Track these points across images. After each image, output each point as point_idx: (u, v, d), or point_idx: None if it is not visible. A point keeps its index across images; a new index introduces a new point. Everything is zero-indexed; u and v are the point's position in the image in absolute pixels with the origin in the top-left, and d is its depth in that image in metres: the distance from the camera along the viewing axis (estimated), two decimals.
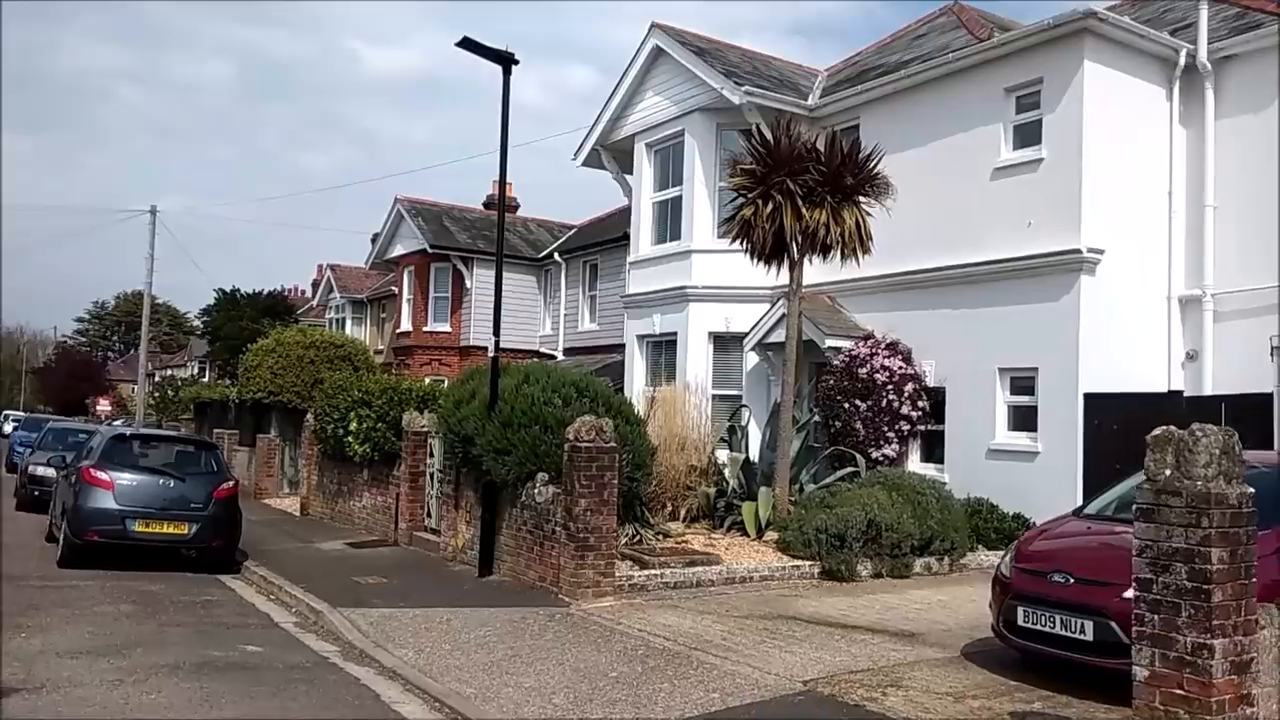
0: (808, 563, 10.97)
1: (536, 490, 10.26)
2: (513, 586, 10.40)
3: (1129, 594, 6.13)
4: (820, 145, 11.66)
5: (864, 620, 8.94)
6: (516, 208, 32.32)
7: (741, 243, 12.14)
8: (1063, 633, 6.45)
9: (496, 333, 11.09)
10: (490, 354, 11.03)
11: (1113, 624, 6.18)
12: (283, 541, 14.28)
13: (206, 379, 44.42)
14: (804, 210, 11.49)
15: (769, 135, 11.78)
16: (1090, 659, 6.31)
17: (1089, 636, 6.29)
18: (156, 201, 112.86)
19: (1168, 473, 4.62)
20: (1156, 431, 4.77)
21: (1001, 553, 12.30)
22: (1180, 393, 12.17)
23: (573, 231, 29.48)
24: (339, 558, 12.76)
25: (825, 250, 11.87)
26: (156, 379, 57.96)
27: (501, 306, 11.29)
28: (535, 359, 21.58)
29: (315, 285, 42.30)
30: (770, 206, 11.48)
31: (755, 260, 12.21)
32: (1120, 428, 12.24)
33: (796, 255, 11.77)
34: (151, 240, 36.31)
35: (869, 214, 11.97)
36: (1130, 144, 13.39)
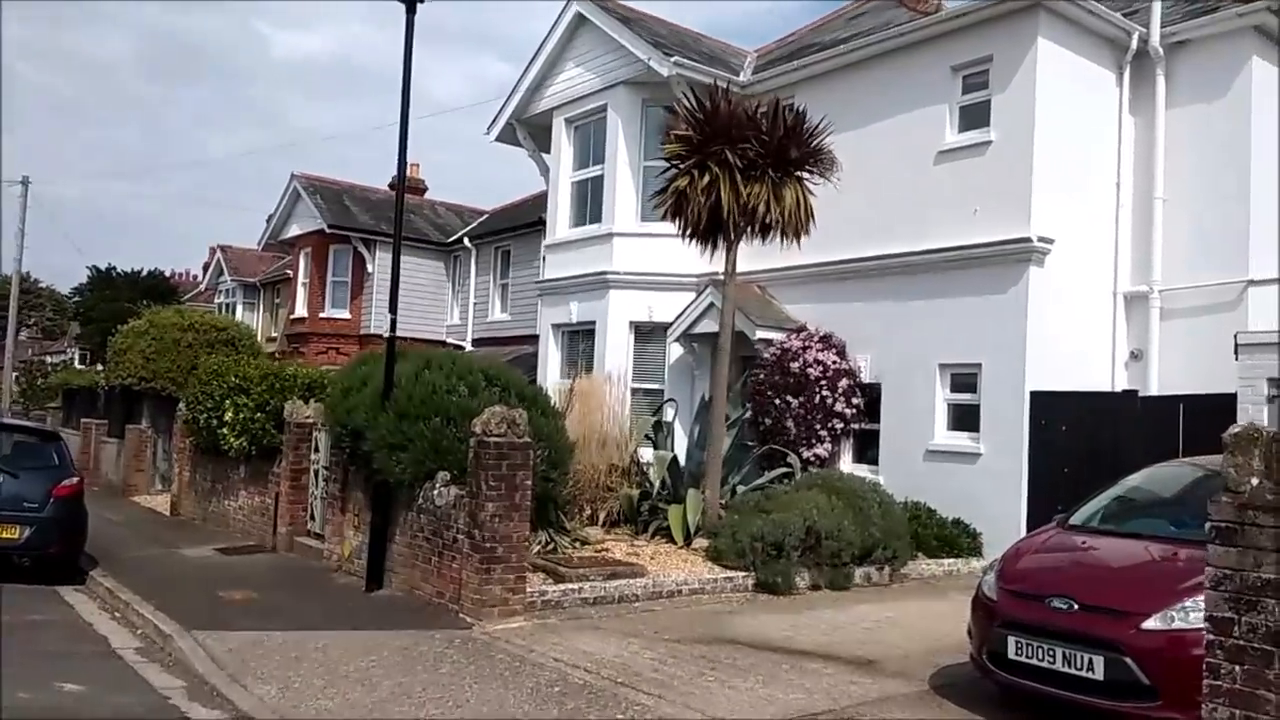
0: (741, 573, 9.85)
1: (436, 492, 8.88)
2: (406, 603, 8.99)
3: (1149, 624, 5.17)
4: (761, 115, 10.51)
5: (811, 643, 7.84)
6: (424, 190, 30.61)
7: (673, 219, 10.96)
8: (1065, 669, 5.42)
9: (393, 309, 9.65)
10: (385, 333, 9.58)
11: (1128, 660, 5.18)
12: (143, 546, 12.51)
13: (83, 366, 41.12)
14: (742, 185, 10.35)
15: (707, 100, 10.60)
16: (1099, 701, 5.29)
17: (1099, 675, 5.27)
18: (52, 184, 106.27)
19: (1255, 482, 3.58)
20: (1236, 429, 3.73)
21: (949, 563, 11.55)
22: (1135, 392, 11.47)
23: (484, 217, 27.92)
24: (205, 566, 11.11)
25: (765, 231, 10.77)
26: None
27: (399, 280, 9.86)
28: (442, 349, 20.02)
29: (206, 269, 39.61)
30: (707, 179, 10.31)
31: (688, 239, 11.04)
32: (1069, 428, 11.50)
33: (734, 234, 10.62)
34: (23, 214, 33.31)
35: (811, 193, 10.91)
36: (1079, 131, 12.67)
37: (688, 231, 10.91)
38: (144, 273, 36.45)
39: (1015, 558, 6.35)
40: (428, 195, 30.43)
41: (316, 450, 11.61)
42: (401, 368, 9.69)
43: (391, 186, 29.93)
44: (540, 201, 20.69)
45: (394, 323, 9.56)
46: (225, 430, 12.95)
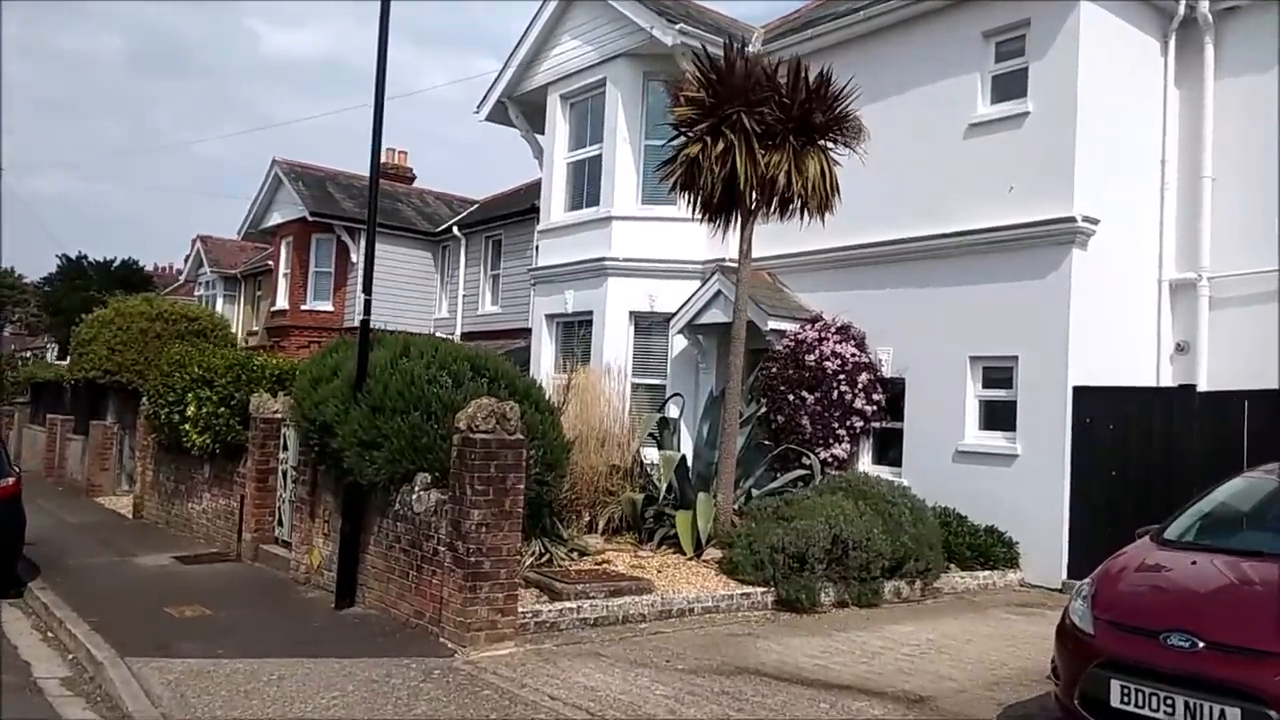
0: (760, 589, 8.76)
1: (415, 496, 7.76)
2: (379, 624, 7.87)
3: None
4: (782, 76, 9.41)
5: (850, 675, 6.75)
6: (412, 179, 29.46)
7: (682, 192, 9.87)
8: None
9: (367, 288, 8.53)
10: (359, 315, 8.45)
11: (1273, 714, 4.11)
12: (95, 553, 11.35)
13: (59, 359, 39.75)
14: (760, 154, 9.25)
15: (721, 58, 9.49)
16: None
17: None
18: (36, 178, 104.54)
19: None
20: None
21: (984, 576, 10.40)
22: (1192, 387, 10.39)
23: (475, 207, 26.79)
24: (159, 577, 9.96)
25: (784, 205, 9.68)
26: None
27: (374, 256, 8.70)
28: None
29: (188, 260, 38.29)
30: (721, 146, 9.21)
31: (699, 214, 9.95)
32: (1117, 428, 10.44)
33: (751, 209, 9.52)
34: None
35: (836, 164, 9.82)
36: (1121, 103, 11.60)
37: (699, 206, 9.81)
38: (116, 262, 34.99)
39: (1111, 580, 5.26)
40: (415, 183, 29.25)
41: (285, 449, 10.47)
42: (377, 355, 8.58)
43: None
44: (533, 189, 19.60)
45: (368, 304, 8.43)
46: (188, 426, 11.80)
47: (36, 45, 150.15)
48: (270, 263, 27.90)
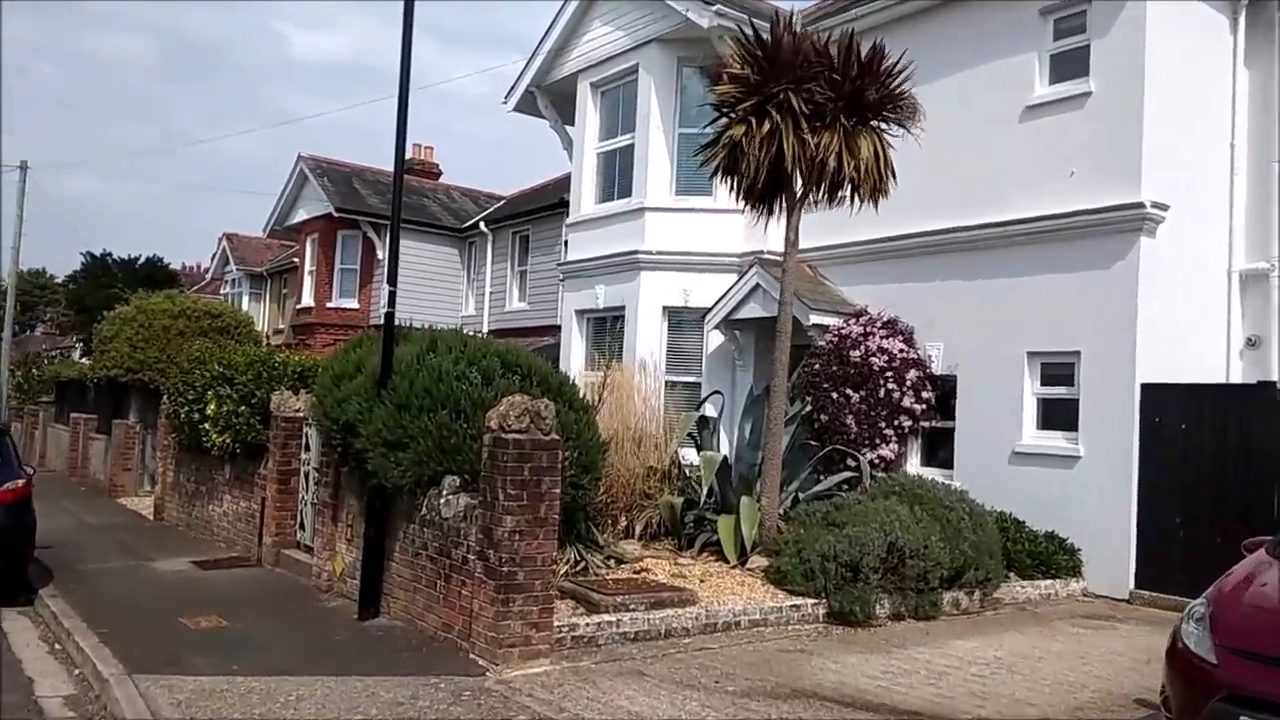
0: (810, 600, 8.18)
1: (443, 500, 7.25)
2: (405, 637, 7.36)
3: None
4: (833, 50, 8.80)
5: (918, 699, 6.15)
6: (438, 174, 29.05)
7: (724, 177, 9.29)
8: None
9: (392, 279, 8.02)
10: (383, 308, 7.95)
11: None
12: (112, 557, 10.94)
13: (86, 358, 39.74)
14: (809, 134, 8.66)
15: (766, 34, 8.90)
16: None
17: None
18: (69, 178, 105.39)
19: None
20: None
21: (1045, 585, 9.75)
22: (1273, 384, 9.67)
23: (502, 203, 26.32)
24: (177, 584, 9.52)
25: (834, 189, 9.08)
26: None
27: (399, 246, 8.19)
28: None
29: (214, 258, 38.13)
30: (767, 127, 8.62)
31: (742, 200, 9.37)
32: (1189, 427, 9.76)
33: (799, 193, 8.92)
34: (20, 200, 31.88)
35: (890, 146, 9.20)
36: (1188, 83, 10.91)
37: (741, 192, 9.23)
38: (141, 259, 34.78)
39: (1230, 600, 4.64)
40: (442, 179, 28.84)
41: (307, 449, 10.00)
42: (402, 351, 8.07)
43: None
44: (562, 184, 19.08)
45: (393, 295, 7.93)
46: (207, 425, 11.37)
47: (66, 47, 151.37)
48: (296, 260, 27.58)
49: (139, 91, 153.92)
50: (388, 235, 23.77)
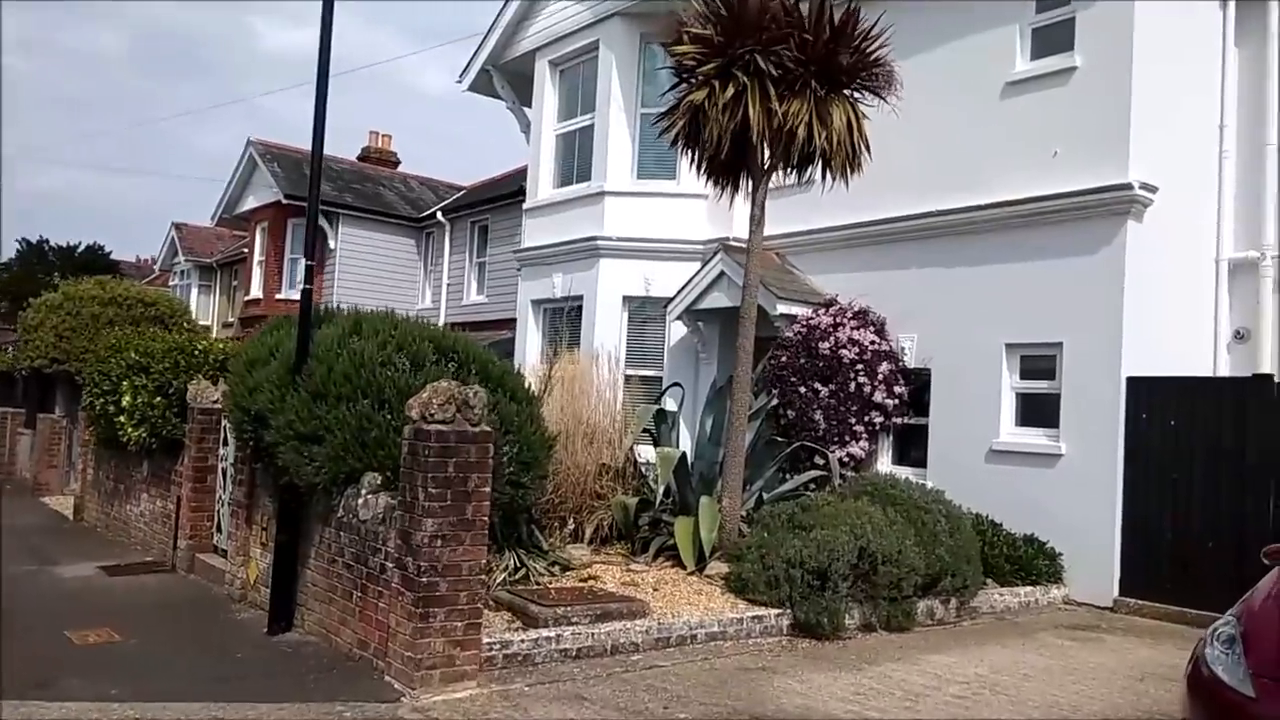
0: (774, 611, 7.43)
1: (361, 500, 6.42)
2: (316, 655, 6.51)
3: None
4: (804, 9, 8.06)
5: None
6: (396, 163, 28.08)
7: (684, 147, 8.53)
8: None
9: (309, 253, 7.17)
10: (300, 285, 7.10)
11: None
12: (14, 561, 9.92)
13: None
14: (776, 101, 7.91)
15: None
16: None
17: None
18: (42, 176, 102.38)
19: None
20: None
21: (1024, 592, 8.97)
22: (1270, 378, 9.04)
23: (461, 193, 25.42)
24: (74, 592, 8.58)
25: (803, 163, 8.35)
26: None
27: (318, 214, 7.36)
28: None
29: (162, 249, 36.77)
30: (731, 91, 7.86)
31: (704, 173, 8.61)
32: (1179, 424, 9.13)
33: (764, 165, 8.17)
34: None
35: (865, 116, 8.48)
36: (1176, 61, 10.30)
37: (703, 165, 8.47)
38: (81, 247, 33.34)
39: (1264, 619, 3.94)
40: (400, 168, 27.87)
41: (226, 444, 9.11)
42: (323, 334, 7.23)
43: (361, 158, 27.50)
44: (522, 174, 18.23)
45: (310, 270, 7.09)
46: (123, 418, 10.42)
47: (42, 42, 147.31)
48: (246, 250, 26.50)
49: (112, 86, 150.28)
50: (341, 225, 22.93)
